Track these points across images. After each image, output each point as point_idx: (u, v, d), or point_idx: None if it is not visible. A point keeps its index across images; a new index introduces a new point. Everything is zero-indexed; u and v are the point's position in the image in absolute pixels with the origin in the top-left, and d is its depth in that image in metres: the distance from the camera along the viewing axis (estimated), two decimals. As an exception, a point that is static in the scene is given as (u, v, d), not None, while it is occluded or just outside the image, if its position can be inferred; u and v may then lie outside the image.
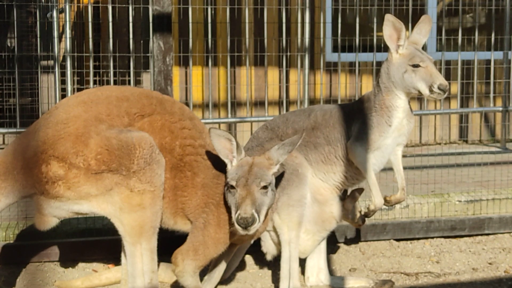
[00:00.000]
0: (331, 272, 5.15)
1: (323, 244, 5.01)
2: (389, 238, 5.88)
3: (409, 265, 5.40)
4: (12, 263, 5.24)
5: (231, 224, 4.07)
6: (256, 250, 5.52)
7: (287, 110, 8.56)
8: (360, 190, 4.84)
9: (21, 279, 5.07)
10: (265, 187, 3.95)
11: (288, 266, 4.61)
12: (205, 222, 4.17)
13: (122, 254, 4.37)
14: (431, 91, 4.49)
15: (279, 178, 4.48)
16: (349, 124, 4.67)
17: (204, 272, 4.50)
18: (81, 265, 5.33)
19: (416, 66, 4.53)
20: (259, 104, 8.79)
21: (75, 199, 3.89)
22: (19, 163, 3.94)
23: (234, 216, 3.91)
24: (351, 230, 5.78)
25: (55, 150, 3.85)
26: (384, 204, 4.75)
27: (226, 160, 4.09)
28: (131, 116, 4.06)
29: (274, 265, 5.35)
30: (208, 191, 4.19)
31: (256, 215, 3.85)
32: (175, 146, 4.12)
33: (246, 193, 3.91)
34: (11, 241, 5.40)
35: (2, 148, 4.18)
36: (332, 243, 5.68)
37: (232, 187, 3.97)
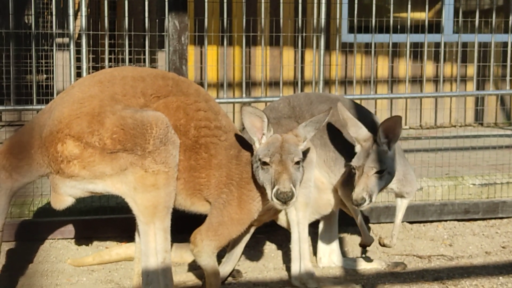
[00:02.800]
0: (343, 253, 5.17)
1: (335, 226, 5.02)
2: (402, 221, 5.87)
3: (422, 248, 5.40)
4: (26, 239, 5.28)
5: (265, 200, 4.09)
6: (268, 230, 5.54)
7: (301, 90, 8.53)
8: None
9: (36, 255, 5.11)
10: (298, 163, 3.95)
11: (298, 247, 4.62)
12: (225, 203, 4.18)
13: (136, 233, 4.39)
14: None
15: None
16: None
17: (223, 252, 4.51)
18: (95, 243, 5.36)
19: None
20: (274, 84, 8.77)
21: (90, 178, 3.91)
22: (36, 142, 3.97)
23: (271, 192, 3.88)
24: (364, 212, 5.77)
25: (71, 129, 3.87)
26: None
27: (254, 138, 4.05)
28: (147, 97, 4.06)
29: (286, 245, 5.37)
30: (227, 172, 4.19)
31: (294, 189, 3.86)
32: (190, 128, 4.12)
33: (282, 168, 3.89)
34: (26, 218, 5.43)
35: (19, 126, 4.19)
36: (345, 225, 5.68)
37: (265, 163, 3.94)
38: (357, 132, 4.32)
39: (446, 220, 5.97)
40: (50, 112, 4.00)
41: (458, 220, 5.99)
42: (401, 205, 4.74)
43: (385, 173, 4.23)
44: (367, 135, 4.29)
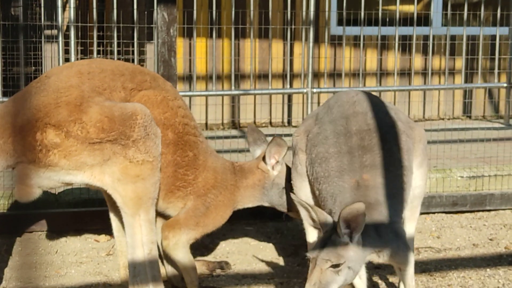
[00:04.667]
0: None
1: None
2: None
3: (410, 240, 5.42)
4: (14, 232, 5.27)
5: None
6: (257, 222, 5.55)
7: (290, 83, 8.55)
8: None
9: (24, 248, 5.11)
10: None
11: None
12: (212, 201, 4.29)
13: (113, 227, 4.38)
14: None
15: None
16: None
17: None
18: (84, 235, 5.36)
19: None
20: (262, 76, 8.77)
21: (69, 169, 3.81)
22: (7, 131, 3.81)
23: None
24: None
25: (51, 118, 3.76)
26: None
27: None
28: (127, 91, 4.01)
29: (275, 238, 5.38)
30: (215, 175, 4.32)
31: None
32: (174, 122, 4.13)
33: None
34: (14, 211, 5.41)
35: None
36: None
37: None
38: (326, 221, 3.54)
39: (434, 213, 5.99)
40: (24, 101, 3.86)
41: (446, 213, 6.01)
42: (404, 278, 3.96)
43: (343, 267, 3.45)
44: (328, 222, 3.53)
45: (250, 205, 4.51)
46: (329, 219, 3.51)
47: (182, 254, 4.24)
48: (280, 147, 4.34)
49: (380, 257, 3.66)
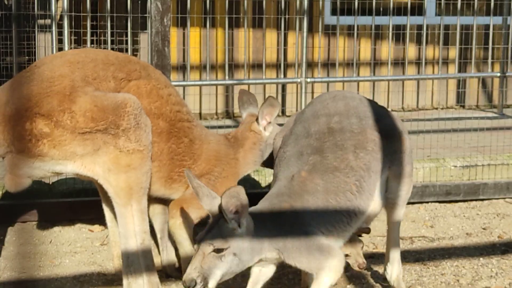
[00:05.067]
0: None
1: None
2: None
3: (404, 229, 5.43)
4: (8, 222, 5.27)
5: None
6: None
7: (284, 73, 8.55)
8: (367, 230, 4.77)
9: (18, 238, 5.11)
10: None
11: None
12: (217, 179, 4.35)
13: (106, 217, 4.39)
14: None
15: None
16: None
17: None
18: (77, 225, 5.36)
19: None
20: (256, 66, 8.76)
21: (59, 159, 3.79)
22: None
23: None
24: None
25: (40, 107, 3.74)
26: None
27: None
28: (117, 81, 3.99)
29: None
30: (214, 154, 4.37)
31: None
32: (165, 111, 4.13)
33: None
34: (8, 201, 5.40)
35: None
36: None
37: None
38: (211, 204, 3.46)
39: (427, 202, 6.00)
40: (13, 90, 3.85)
41: (440, 202, 6.03)
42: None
43: (226, 253, 3.36)
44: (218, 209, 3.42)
45: (250, 170, 4.63)
46: (218, 202, 3.40)
47: (186, 235, 4.24)
48: (273, 107, 4.40)
49: (283, 258, 3.57)
